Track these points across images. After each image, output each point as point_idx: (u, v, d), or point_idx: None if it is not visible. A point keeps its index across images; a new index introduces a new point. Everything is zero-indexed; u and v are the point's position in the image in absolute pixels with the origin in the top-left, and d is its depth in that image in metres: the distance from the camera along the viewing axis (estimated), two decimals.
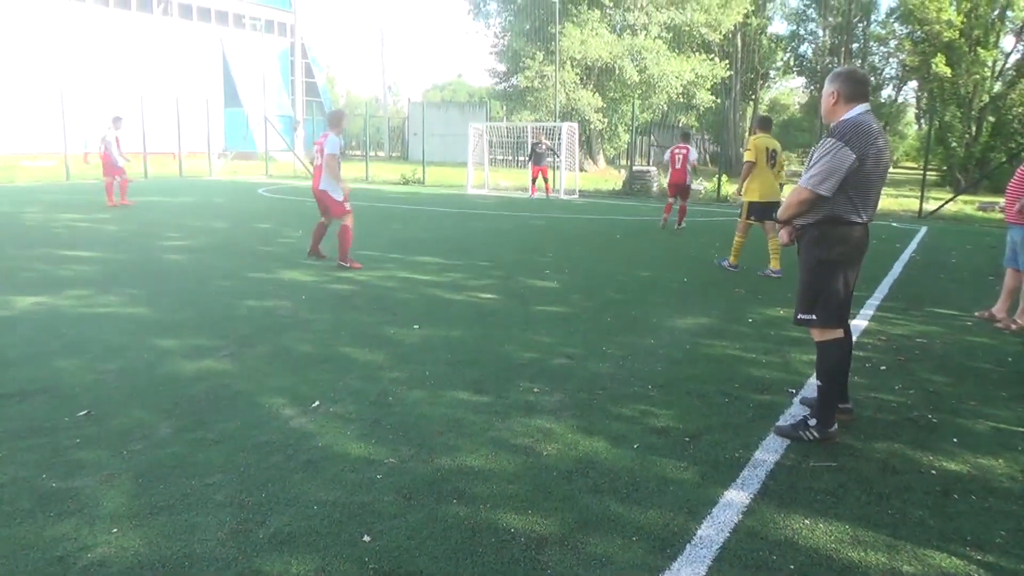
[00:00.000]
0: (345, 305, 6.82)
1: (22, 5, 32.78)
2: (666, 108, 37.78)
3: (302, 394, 4.36)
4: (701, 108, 39.06)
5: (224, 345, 5.38)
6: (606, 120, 36.56)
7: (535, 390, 4.54)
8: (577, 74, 37.07)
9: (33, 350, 5.19)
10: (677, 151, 13.34)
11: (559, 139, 21.11)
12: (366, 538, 2.82)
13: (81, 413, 4.01)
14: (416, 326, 6.05)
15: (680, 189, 13.38)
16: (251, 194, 20.12)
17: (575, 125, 21.92)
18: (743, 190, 8.99)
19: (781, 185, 9.66)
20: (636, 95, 35.18)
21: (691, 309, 6.95)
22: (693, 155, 13.17)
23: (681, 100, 35.86)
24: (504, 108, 37.25)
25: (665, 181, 15.80)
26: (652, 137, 40.78)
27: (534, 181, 20.21)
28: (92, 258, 9.16)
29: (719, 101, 39.04)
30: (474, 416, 4.09)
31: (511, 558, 2.72)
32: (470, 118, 32.24)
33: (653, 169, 23.13)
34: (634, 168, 23.10)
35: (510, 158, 33.03)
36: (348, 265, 8.90)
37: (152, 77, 35.71)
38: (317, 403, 4.22)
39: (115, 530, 2.84)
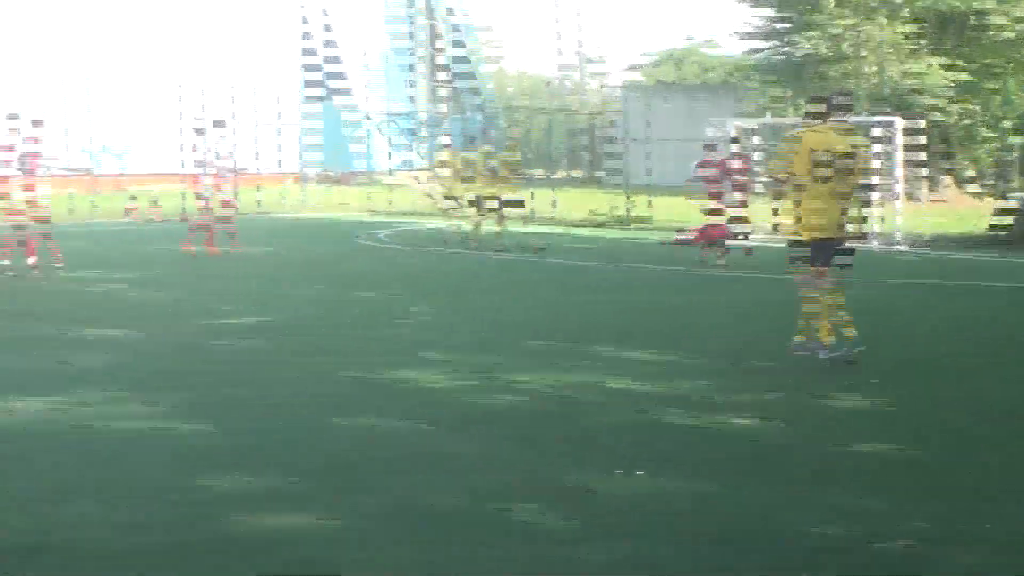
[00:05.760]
0: None
1: None
2: None
3: None
4: None
5: None
6: (965, 110, 24.27)
7: None
8: (920, 27, 24.86)
9: None
10: None
11: (893, 144, 14.61)
12: None
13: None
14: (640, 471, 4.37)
15: None
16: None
17: (917, 118, 15.67)
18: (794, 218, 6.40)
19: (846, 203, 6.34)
20: (1014, 60, 24.41)
21: None
22: None
23: None
24: (766, 93, 26.02)
25: None
26: None
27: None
28: None
29: None
30: None
31: None
32: (708, 111, 22.30)
33: None
34: None
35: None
36: None
37: None
38: None
39: None
